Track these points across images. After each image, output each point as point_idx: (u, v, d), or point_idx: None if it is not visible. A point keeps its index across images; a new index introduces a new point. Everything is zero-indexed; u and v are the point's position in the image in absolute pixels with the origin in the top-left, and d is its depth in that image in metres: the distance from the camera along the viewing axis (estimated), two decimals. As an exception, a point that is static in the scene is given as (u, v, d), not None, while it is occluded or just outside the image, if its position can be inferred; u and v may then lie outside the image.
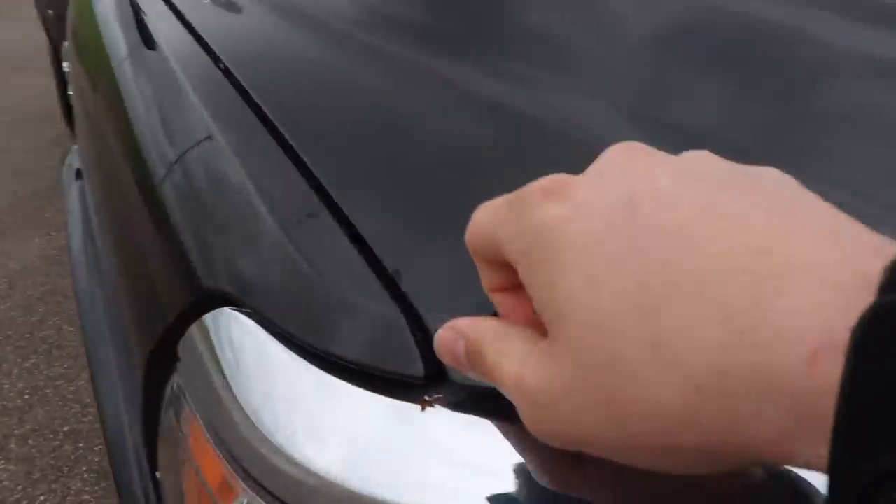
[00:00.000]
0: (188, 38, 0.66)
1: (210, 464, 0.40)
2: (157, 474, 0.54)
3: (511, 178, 0.39)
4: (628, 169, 0.24)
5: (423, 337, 0.31)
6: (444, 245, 0.34)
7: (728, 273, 0.20)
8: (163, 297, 0.50)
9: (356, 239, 0.36)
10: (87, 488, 1.53)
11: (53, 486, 1.53)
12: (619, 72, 0.47)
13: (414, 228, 0.36)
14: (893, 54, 0.45)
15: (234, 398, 0.37)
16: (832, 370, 0.18)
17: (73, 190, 1.15)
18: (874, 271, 0.18)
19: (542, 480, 0.29)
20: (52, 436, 1.64)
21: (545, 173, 0.25)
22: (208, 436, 0.39)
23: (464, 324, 0.28)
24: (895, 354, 0.17)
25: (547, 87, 0.45)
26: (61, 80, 2.45)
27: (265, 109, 0.48)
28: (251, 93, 0.51)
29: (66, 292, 2.07)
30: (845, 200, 0.23)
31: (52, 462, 1.58)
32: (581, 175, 0.25)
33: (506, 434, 0.29)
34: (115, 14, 0.93)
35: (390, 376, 0.31)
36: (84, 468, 1.57)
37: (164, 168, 0.56)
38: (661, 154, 0.25)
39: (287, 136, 0.44)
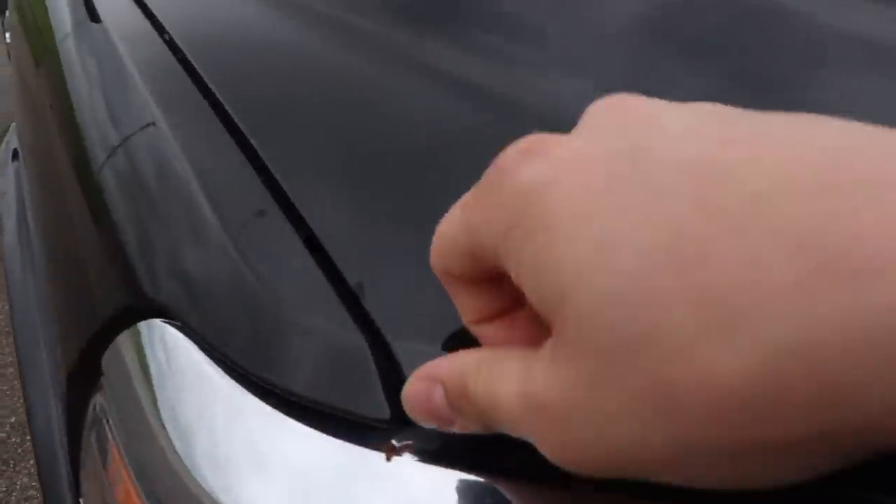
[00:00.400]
0: (135, 10, 0.59)
1: (129, 499, 0.34)
2: (80, 501, 0.48)
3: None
4: (623, 117, 0.19)
5: (391, 370, 0.25)
6: (417, 255, 0.29)
7: (786, 194, 0.15)
8: (92, 302, 0.43)
9: (312, 244, 0.30)
10: (34, 483, 1.45)
11: None
12: (607, 53, 0.42)
13: (381, 234, 0.30)
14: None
15: (161, 426, 0.31)
16: None
17: (9, 171, 1.07)
18: None
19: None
20: (-3, 427, 1.56)
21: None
22: (129, 468, 0.33)
23: (437, 365, 0.22)
24: None
25: (529, 70, 0.39)
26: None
27: (214, 91, 0.42)
28: (200, 73, 0.45)
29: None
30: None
31: (-2, 455, 1.50)
32: (566, 134, 0.20)
33: (492, 493, 0.23)
34: (62, -16, 0.86)
35: (348, 416, 0.25)
36: (32, 462, 1.49)
37: (102, 156, 0.49)
38: (660, 101, 0.20)
39: (238, 122, 0.38)
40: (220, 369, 0.29)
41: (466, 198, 0.22)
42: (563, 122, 0.22)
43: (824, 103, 0.36)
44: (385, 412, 0.25)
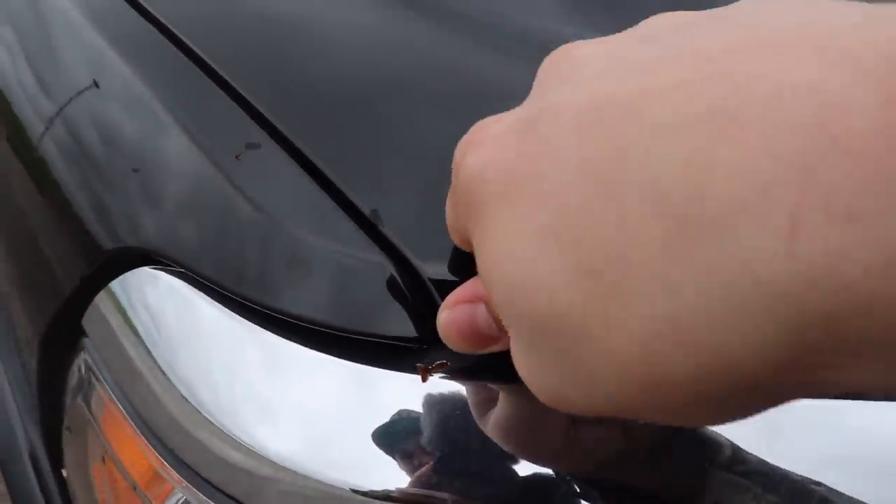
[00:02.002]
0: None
1: (134, 455, 0.33)
2: (63, 472, 0.46)
3: (487, 97, 0.33)
4: (554, 71, 0.19)
5: (416, 290, 0.25)
6: (422, 177, 0.28)
7: (655, 135, 0.14)
8: (58, 267, 0.41)
9: (312, 172, 0.29)
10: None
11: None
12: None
13: (381, 159, 0.30)
14: None
15: (163, 374, 0.30)
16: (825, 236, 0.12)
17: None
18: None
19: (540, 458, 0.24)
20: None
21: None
22: (132, 422, 0.32)
23: (471, 287, 0.22)
24: None
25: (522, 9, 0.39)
26: None
27: (172, 30, 0.40)
28: (154, 14, 0.43)
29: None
30: None
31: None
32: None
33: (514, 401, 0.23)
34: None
35: (376, 340, 0.25)
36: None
37: (44, 116, 0.47)
38: (602, 39, 0.19)
39: (209, 60, 0.36)
40: (224, 307, 0.28)
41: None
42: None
43: None
44: (413, 332, 0.24)
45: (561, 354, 0.16)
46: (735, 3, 0.17)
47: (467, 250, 0.20)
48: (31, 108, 0.50)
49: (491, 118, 0.20)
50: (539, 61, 0.20)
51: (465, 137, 0.20)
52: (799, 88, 0.13)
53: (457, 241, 0.21)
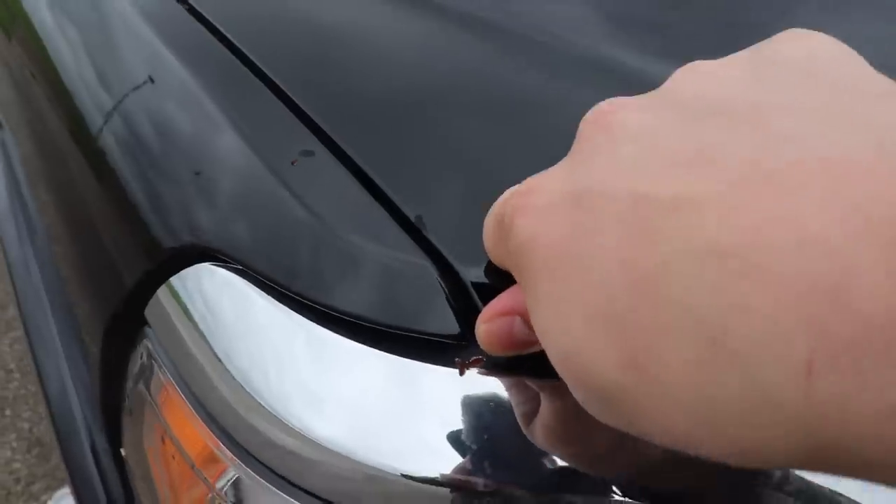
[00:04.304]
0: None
1: (192, 436, 0.36)
2: (122, 451, 0.49)
3: (528, 107, 0.35)
4: (592, 140, 0.21)
5: (456, 291, 0.27)
6: (466, 186, 0.30)
7: (689, 260, 0.17)
8: (120, 260, 0.44)
9: (362, 178, 0.31)
10: (17, 456, 1.46)
11: (-21, 453, 1.45)
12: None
13: (428, 166, 0.32)
14: None
15: (220, 362, 0.33)
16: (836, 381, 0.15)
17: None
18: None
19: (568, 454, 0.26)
20: (-25, 403, 1.56)
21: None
22: (190, 406, 0.35)
23: (508, 299, 0.24)
24: None
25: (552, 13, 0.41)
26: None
27: (231, 38, 0.43)
28: (213, 23, 0.45)
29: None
30: None
31: (-24, 429, 1.50)
32: (556, 166, 0.22)
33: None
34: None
35: (420, 336, 0.27)
36: (13, 436, 1.49)
37: (104, 112, 0.50)
38: (633, 107, 0.21)
39: (264, 69, 0.39)
40: (279, 303, 0.30)
41: (489, 224, 0.24)
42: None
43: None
44: (454, 329, 0.26)
45: (612, 409, 0.19)
46: (774, 72, 0.19)
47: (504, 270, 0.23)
48: (93, 103, 0.53)
49: (538, 179, 0.22)
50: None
51: (514, 197, 0.22)
52: (814, 244, 0.15)
53: (497, 263, 0.24)
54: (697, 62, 0.21)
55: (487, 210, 0.24)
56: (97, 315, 0.47)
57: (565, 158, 0.22)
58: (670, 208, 0.17)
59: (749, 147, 0.17)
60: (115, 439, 0.50)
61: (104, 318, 0.45)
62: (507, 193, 0.23)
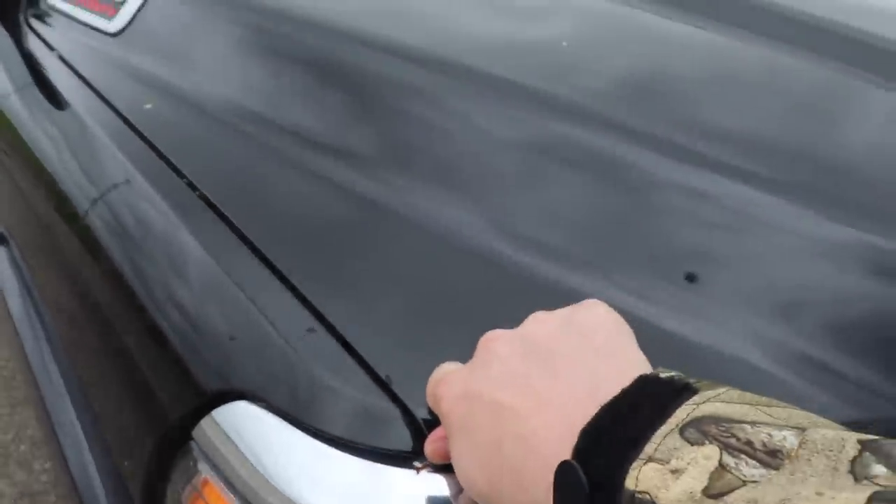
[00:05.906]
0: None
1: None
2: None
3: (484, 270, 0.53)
4: (480, 358, 0.39)
5: (411, 421, 0.44)
6: (423, 348, 0.48)
7: (509, 442, 0.35)
8: (164, 396, 0.60)
9: (349, 350, 0.49)
10: None
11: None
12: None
13: (402, 334, 0.50)
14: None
15: (263, 477, 0.49)
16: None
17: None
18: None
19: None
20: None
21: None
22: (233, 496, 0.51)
23: (441, 430, 0.41)
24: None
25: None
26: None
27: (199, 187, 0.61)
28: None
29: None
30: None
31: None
32: (464, 367, 0.40)
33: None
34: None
35: (387, 452, 0.44)
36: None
37: (147, 285, 0.67)
38: (505, 340, 0.39)
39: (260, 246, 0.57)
40: (302, 433, 0.47)
41: (428, 391, 0.43)
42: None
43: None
44: (410, 446, 0.44)
45: (483, 501, 0.37)
46: (567, 329, 0.38)
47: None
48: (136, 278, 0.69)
49: (453, 375, 0.40)
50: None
51: (439, 386, 0.40)
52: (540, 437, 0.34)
53: (434, 412, 0.42)
54: (539, 313, 0.40)
55: (432, 370, 0.42)
56: (149, 432, 0.62)
57: (469, 363, 0.40)
58: (508, 409, 0.35)
59: (537, 377, 0.36)
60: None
61: (154, 435, 0.60)
62: (434, 376, 0.41)
